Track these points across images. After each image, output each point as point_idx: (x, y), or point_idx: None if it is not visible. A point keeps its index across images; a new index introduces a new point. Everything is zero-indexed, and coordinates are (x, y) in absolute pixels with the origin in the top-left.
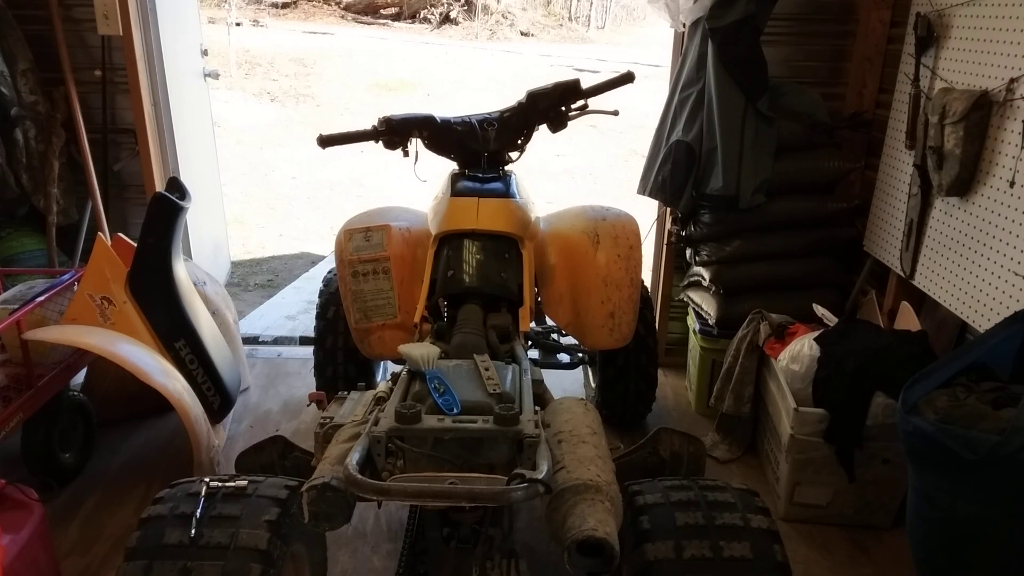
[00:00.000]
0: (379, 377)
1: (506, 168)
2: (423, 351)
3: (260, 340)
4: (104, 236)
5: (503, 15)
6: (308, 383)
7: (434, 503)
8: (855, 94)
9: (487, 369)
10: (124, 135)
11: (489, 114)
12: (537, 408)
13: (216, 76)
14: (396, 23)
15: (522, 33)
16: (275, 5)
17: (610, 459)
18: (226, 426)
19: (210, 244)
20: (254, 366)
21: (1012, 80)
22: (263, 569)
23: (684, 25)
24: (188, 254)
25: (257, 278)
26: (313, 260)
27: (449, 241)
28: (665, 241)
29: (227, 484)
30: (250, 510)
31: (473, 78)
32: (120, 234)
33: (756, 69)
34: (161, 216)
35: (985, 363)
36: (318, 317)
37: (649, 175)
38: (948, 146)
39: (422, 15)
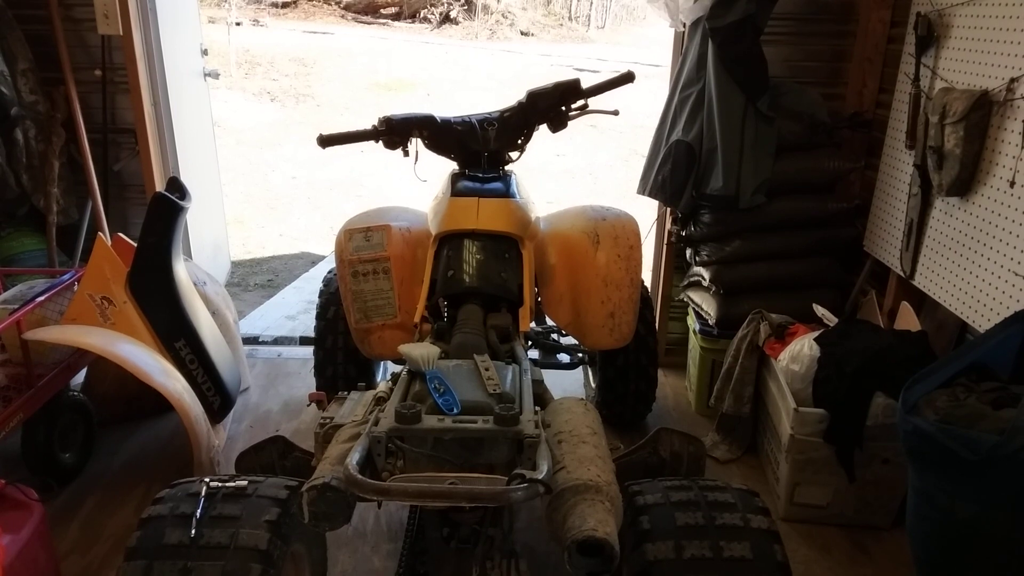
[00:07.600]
0: (379, 377)
1: (506, 168)
2: (423, 351)
3: (260, 340)
4: (104, 236)
5: (503, 15)
6: (308, 383)
7: (434, 503)
8: (855, 94)
9: (487, 369)
10: (124, 135)
11: (489, 114)
12: (537, 408)
13: (216, 76)
14: (396, 23)
15: (522, 33)
16: (275, 5)
17: (610, 459)
18: (226, 426)
19: (210, 244)
20: (254, 366)
21: (1012, 80)
22: (263, 569)
23: (684, 25)
24: (188, 254)
25: (257, 278)
26: (313, 260)
27: (449, 241)
28: (665, 241)
29: (227, 484)
30: (250, 510)
31: (473, 78)
32: (120, 234)
33: (756, 69)
34: (161, 216)
35: (985, 363)
36: (318, 317)
37: (649, 175)
38: (948, 146)
39: (422, 15)
